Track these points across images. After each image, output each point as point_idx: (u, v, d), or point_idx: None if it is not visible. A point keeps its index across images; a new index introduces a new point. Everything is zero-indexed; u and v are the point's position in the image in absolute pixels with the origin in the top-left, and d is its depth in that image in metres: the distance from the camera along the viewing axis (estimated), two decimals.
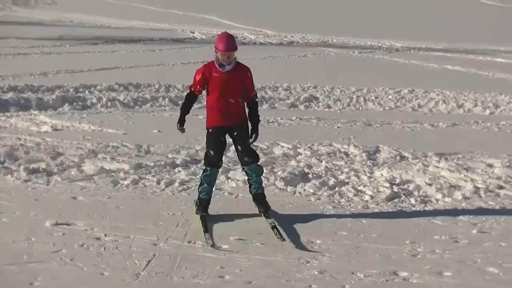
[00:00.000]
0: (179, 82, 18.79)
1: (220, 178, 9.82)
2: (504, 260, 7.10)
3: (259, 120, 8.48)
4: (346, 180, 10.06)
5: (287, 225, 8.06)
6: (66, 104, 15.78)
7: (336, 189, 9.64)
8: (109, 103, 16.20)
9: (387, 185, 9.82)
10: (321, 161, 11.05)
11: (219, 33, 8.43)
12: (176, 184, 9.56)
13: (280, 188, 9.64)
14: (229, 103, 8.16)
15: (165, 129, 13.36)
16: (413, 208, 8.98)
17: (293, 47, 34.61)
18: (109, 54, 27.60)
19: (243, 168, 8.44)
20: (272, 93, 18.65)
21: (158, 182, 9.61)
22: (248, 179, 8.49)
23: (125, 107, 16.06)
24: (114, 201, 8.73)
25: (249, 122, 8.37)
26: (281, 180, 9.87)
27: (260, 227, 7.94)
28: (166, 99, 16.89)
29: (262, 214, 8.30)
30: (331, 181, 9.89)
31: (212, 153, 8.20)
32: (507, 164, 11.14)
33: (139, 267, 6.63)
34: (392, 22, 56.37)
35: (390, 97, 18.77)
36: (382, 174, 10.38)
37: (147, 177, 9.85)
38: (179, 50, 30.69)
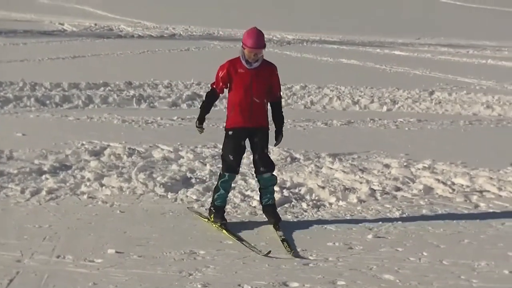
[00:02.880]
0: (46, 80, 18.50)
1: (93, 185, 9.77)
2: (400, 266, 7.32)
3: (283, 122, 8.68)
4: (233, 185, 10.14)
5: (167, 236, 8.08)
6: None
7: None
8: None
9: (277, 189, 9.92)
10: (205, 165, 11.12)
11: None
12: (43, 193, 9.41)
13: (160, 195, 9.64)
14: (254, 103, 8.24)
15: (30, 132, 13.14)
16: (305, 213, 9.15)
17: (175, 40, 34.61)
18: None
19: (257, 177, 8.53)
20: (152, 91, 18.60)
21: (23, 191, 9.45)
22: (259, 188, 8.60)
23: None
24: None
25: (273, 124, 8.58)
26: (161, 186, 9.87)
27: (139, 237, 7.93)
28: (32, 99, 16.58)
29: (273, 226, 8.38)
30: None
31: (232, 158, 8.29)
32: (405, 164, 11.52)
33: (1, 286, 6.50)
34: (284, 13, 57.03)
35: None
36: None
37: (9, 186, 9.68)
38: (47, 43, 30.19)
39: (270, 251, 7.53)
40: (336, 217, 9.01)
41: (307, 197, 9.81)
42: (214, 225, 8.44)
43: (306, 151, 12.22)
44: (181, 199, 9.50)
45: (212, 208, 8.55)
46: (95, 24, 40.73)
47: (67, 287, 6.55)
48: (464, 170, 11.31)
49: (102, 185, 9.90)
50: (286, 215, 9.01)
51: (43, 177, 10.16)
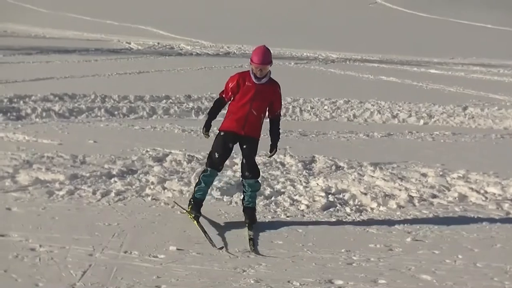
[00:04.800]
0: (115, 93, 18.67)
1: (156, 188, 9.82)
2: (437, 267, 7.26)
3: (279, 137, 8.74)
4: (282, 190, 10.14)
5: (223, 235, 8.10)
6: (0, 115, 15.54)
7: (272, 198, 9.71)
8: (44, 114, 16.00)
9: (323, 194, 9.93)
10: None
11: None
12: (112, 194, 9.48)
13: (216, 198, 9.66)
14: (251, 114, 8.30)
15: (100, 139, 13.26)
16: (349, 217, 9.11)
17: (230, 58, 34.70)
18: (44, 64, 27.23)
19: (242, 180, 8.57)
20: (209, 104, 18.59)
21: (94, 193, 9.53)
22: (243, 191, 8.63)
23: (60, 118, 15.88)
24: (49, 212, 8.62)
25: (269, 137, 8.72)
26: (217, 190, 9.89)
27: (197, 236, 7.96)
28: (102, 110, 16.77)
29: (247, 225, 8.41)
30: (267, 191, 9.95)
31: (217, 156, 8.35)
32: (440, 173, 11.40)
33: (75, 277, 6.57)
34: (328, 34, 56.96)
35: (325, 107, 18.99)
36: (317, 184, 10.50)
37: (82, 187, 9.75)
38: (115, 60, 30.46)
39: (223, 247, 7.58)
40: (377, 221, 8.95)
41: (351, 202, 9.76)
42: (189, 215, 8.48)
43: (349, 160, 12.16)
44: (236, 202, 9.50)
45: (191, 200, 8.58)
46: (158, 43, 41.01)
47: (134, 280, 6.59)
48: (496, 180, 11.16)
49: (164, 188, 9.94)
50: (331, 218, 8.98)
51: (112, 180, 10.23)
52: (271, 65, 8.28)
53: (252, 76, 8.27)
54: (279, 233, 8.25)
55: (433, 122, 17.88)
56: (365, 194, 10.06)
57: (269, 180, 10.65)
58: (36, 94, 17.92)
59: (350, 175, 11.07)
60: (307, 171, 11.39)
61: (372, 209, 9.55)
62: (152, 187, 9.94)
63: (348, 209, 9.43)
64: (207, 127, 8.53)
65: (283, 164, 11.78)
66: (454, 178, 11.14)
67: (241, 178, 8.62)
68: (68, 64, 27.92)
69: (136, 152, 11.94)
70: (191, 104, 18.40)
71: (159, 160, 11.57)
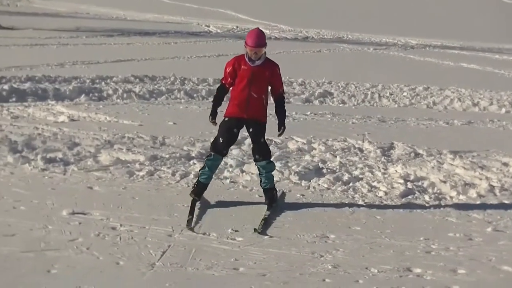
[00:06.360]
0: (194, 75, 18.83)
1: (235, 171, 9.87)
2: None
3: (286, 115, 8.64)
4: (360, 176, 10.07)
5: (301, 219, 8.08)
6: (83, 95, 15.83)
7: (350, 184, 9.65)
8: (125, 95, 16.23)
9: (401, 181, 9.82)
10: (336, 157, 11.05)
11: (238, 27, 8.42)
12: (191, 176, 9.56)
13: (295, 182, 9.65)
14: (251, 97, 8.26)
15: (180, 121, 13.39)
16: (427, 205, 8.97)
17: (308, 43, 34.54)
18: (125, 46, 27.62)
19: (255, 164, 8.59)
20: (287, 88, 18.60)
21: (173, 174, 9.63)
22: (259, 174, 8.65)
23: (140, 99, 16.09)
24: (130, 191, 8.76)
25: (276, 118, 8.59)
26: (296, 174, 9.88)
27: (275, 220, 7.97)
28: (181, 92, 16.91)
29: (267, 205, 8.44)
30: (345, 177, 9.89)
31: (221, 140, 8.36)
32: None
33: (154, 257, 6.66)
34: (407, 19, 56.15)
35: (405, 94, 18.75)
36: (396, 171, 10.38)
37: (162, 168, 9.87)
38: (194, 43, 30.67)
39: (192, 228, 7.54)
40: (457, 210, 8.78)
41: (430, 190, 9.63)
42: (191, 196, 8.43)
43: (428, 148, 11.97)
44: (314, 187, 9.48)
45: (195, 183, 8.57)
46: (237, 27, 41.10)
47: (212, 261, 6.64)
48: None
49: (242, 171, 9.98)
50: (410, 206, 8.86)
51: (191, 162, 10.31)
52: (265, 47, 8.24)
53: (247, 59, 8.25)
54: (357, 219, 8.19)
55: None
56: (445, 182, 9.90)
57: (347, 166, 10.57)
58: (117, 76, 18.21)
59: (429, 163, 10.90)
60: (385, 157, 11.26)
61: (451, 197, 9.38)
62: (230, 170, 9.99)
63: (427, 197, 9.30)
64: (213, 115, 8.55)
65: (361, 150, 11.69)
66: None
67: (255, 162, 8.60)
68: (148, 46, 28.26)
69: (214, 134, 11.99)
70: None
71: (238, 143, 11.57)
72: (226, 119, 8.41)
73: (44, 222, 7.42)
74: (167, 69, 20.18)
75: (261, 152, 8.42)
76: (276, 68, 8.40)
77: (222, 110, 8.55)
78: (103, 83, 17.40)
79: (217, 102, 8.59)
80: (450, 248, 7.33)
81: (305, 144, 11.77)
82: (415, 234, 7.73)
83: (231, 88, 8.47)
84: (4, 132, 11.55)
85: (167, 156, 10.50)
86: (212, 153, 8.41)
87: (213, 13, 51.92)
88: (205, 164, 8.47)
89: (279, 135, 8.64)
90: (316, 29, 42.36)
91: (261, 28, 8.43)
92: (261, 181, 8.62)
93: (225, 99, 8.59)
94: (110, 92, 16.40)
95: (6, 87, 15.66)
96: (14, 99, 15.05)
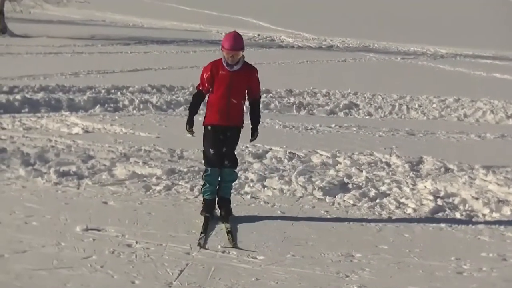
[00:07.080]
0: None
1: (256, 186, 9.85)
2: None
3: (260, 120, 8.69)
4: (388, 192, 10.01)
5: (325, 237, 8.04)
6: (98, 106, 15.91)
7: (377, 200, 9.60)
8: (141, 106, 16.30)
9: (431, 198, 9.76)
10: (362, 171, 11.00)
11: (231, 32, 8.39)
12: None
13: (319, 198, 9.61)
14: (231, 104, 8.34)
15: (199, 133, 13.35)
16: (459, 223, 8.89)
17: (333, 52, 34.55)
18: (142, 55, 27.77)
19: (223, 169, 8.57)
20: (311, 99, 18.64)
21: (192, 189, 9.63)
22: (219, 181, 8.64)
23: (158, 110, 16.15)
24: (146, 207, 8.77)
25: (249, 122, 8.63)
26: (320, 189, 9.84)
27: (298, 238, 7.93)
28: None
29: (223, 218, 8.42)
30: (372, 192, 9.84)
31: (212, 152, 8.42)
32: None
33: (171, 276, 6.64)
34: (437, 28, 56.01)
35: (434, 105, 18.68)
36: (425, 186, 10.32)
37: (180, 183, 9.87)
38: (213, 52, 30.62)
39: (200, 244, 7.51)
40: (490, 228, 8.71)
41: (461, 207, 9.56)
42: (202, 215, 8.45)
43: (460, 163, 11.88)
44: (339, 203, 9.44)
45: (202, 201, 8.61)
46: (258, 35, 41.17)
47: (232, 281, 6.62)
48: None
49: (264, 186, 9.96)
50: (440, 224, 8.79)
51: None
52: (243, 51, 8.24)
53: (224, 64, 8.25)
54: (384, 237, 8.14)
55: None
56: (477, 199, 9.82)
57: (374, 181, 10.52)
58: (133, 86, 18.29)
59: (461, 178, 10.82)
60: (414, 172, 11.20)
61: (484, 215, 9.31)
62: (251, 184, 9.96)
63: (458, 214, 9.23)
64: (190, 123, 8.60)
65: (388, 165, 11.63)
66: None
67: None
68: (166, 54, 28.39)
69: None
70: (292, 99, 18.41)
71: (259, 156, 11.58)
72: (209, 127, 8.47)
73: (57, 238, 7.43)
74: (186, 79, 20.19)
75: (230, 158, 8.52)
76: (254, 73, 8.44)
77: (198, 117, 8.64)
78: (119, 93, 17.48)
79: (193, 110, 8.65)
80: (483, 269, 7.26)
81: (329, 158, 11.73)
82: (446, 253, 7.67)
83: (209, 94, 8.48)
84: (16, 144, 11.60)
85: (185, 170, 10.50)
86: (209, 168, 8.46)
87: (234, 21, 52.03)
88: (205, 181, 8.53)
89: (252, 140, 8.67)
90: (341, 37, 42.30)
91: (238, 31, 8.44)
92: (219, 189, 8.62)
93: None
94: (126, 102, 16.47)
95: (18, 97, 15.79)
96: (26, 109, 15.16)
